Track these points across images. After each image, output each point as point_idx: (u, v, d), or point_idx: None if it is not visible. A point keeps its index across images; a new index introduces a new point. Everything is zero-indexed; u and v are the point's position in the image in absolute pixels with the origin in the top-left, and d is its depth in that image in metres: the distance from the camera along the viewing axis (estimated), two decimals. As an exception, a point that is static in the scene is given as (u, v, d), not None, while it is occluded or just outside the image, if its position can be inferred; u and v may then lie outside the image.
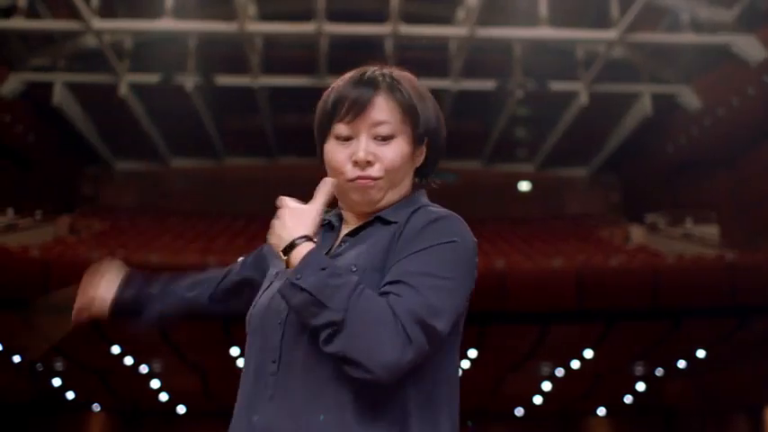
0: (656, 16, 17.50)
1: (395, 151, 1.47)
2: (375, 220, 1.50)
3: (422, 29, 17.64)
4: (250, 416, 1.41)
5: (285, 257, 1.39)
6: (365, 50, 18.48)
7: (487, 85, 18.94)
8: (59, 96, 18.55)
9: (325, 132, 1.54)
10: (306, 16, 17.12)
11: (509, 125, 21.49)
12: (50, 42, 18.41)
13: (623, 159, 22.34)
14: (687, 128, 19.30)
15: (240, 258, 1.83)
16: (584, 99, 18.56)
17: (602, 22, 17.28)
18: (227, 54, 18.75)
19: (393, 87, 1.50)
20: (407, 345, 1.26)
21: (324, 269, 1.33)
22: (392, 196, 1.51)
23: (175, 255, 15.30)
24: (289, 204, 1.46)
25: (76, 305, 1.84)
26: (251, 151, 23.02)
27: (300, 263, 1.35)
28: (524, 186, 24.36)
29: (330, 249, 1.51)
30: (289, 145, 22.21)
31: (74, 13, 16.20)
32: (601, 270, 14.27)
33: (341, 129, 1.49)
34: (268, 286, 1.54)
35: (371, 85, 1.49)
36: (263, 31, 17.65)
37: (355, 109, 1.47)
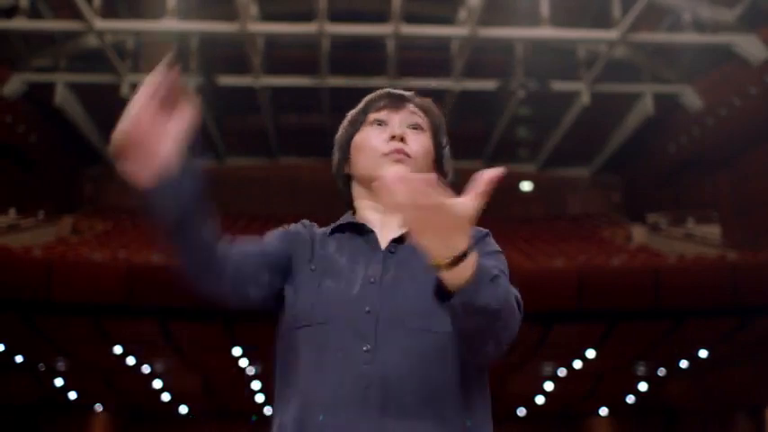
0: (657, 16, 17.50)
1: (424, 141, 1.59)
2: None
3: (423, 29, 17.64)
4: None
5: (443, 265, 1.22)
6: (367, 51, 18.51)
7: (489, 85, 18.94)
8: (61, 96, 18.57)
9: (356, 127, 1.63)
10: (307, 16, 17.12)
11: (510, 125, 21.49)
12: (52, 42, 18.42)
13: (625, 159, 22.33)
14: (689, 128, 19.29)
15: (269, 237, 1.60)
16: (585, 99, 18.56)
17: (604, 21, 17.27)
18: (228, 54, 18.76)
19: (422, 101, 1.66)
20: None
21: (491, 279, 1.29)
22: None
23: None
24: (437, 195, 1.18)
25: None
26: (252, 151, 23.04)
27: (475, 280, 1.24)
28: (526, 186, 24.35)
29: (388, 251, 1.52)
30: (290, 145, 22.22)
31: (75, 14, 16.22)
32: (602, 270, 14.28)
33: (381, 114, 1.61)
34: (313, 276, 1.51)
35: (403, 95, 1.66)
36: (264, 32, 17.65)
37: (392, 101, 1.62)
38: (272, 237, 1.59)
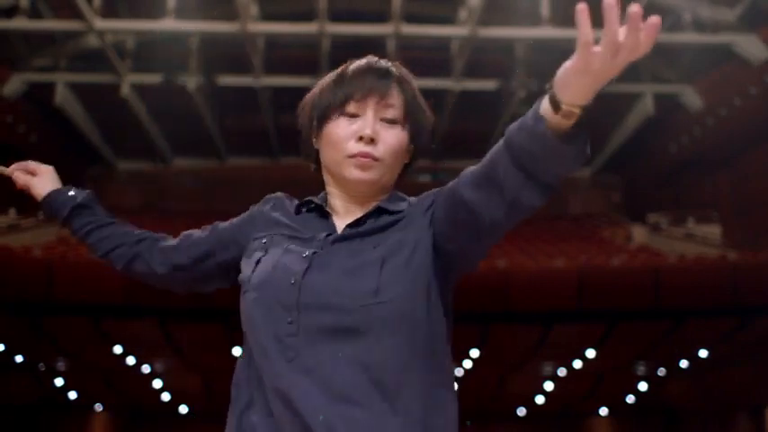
0: (657, 16, 17.48)
1: (397, 137, 1.51)
2: (376, 210, 1.52)
3: (424, 29, 17.63)
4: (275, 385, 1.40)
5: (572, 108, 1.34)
6: (367, 50, 18.20)
7: (489, 85, 18.93)
8: (61, 96, 18.57)
9: (327, 112, 1.54)
10: (308, 16, 17.12)
11: (511, 125, 21.47)
12: (52, 42, 18.42)
13: (625, 159, 22.32)
14: (689, 128, 19.28)
15: (210, 228, 1.79)
16: (585, 99, 18.53)
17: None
18: (228, 54, 18.75)
19: (402, 81, 1.56)
20: None
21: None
22: (385, 183, 1.54)
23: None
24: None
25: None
26: (253, 151, 23.03)
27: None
28: (526, 186, 24.33)
29: (329, 235, 1.51)
30: (290, 145, 22.18)
31: (76, 14, 16.21)
32: (603, 270, 14.28)
33: (352, 106, 1.51)
34: (262, 256, 1.54)
35: (385, 73, 1.55)
36: (264, 31, 17.65)
37: (367, 88, 1.51)
38: (221, 225, 1.74)
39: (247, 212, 1.69)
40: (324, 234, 1.51)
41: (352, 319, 1.38)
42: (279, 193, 1.68)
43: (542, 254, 16.37)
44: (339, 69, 1.60)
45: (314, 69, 18.19)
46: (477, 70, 18.58)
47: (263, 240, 1.55)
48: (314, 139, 1.58)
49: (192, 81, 18.32)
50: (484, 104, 20.45)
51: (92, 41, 17.61)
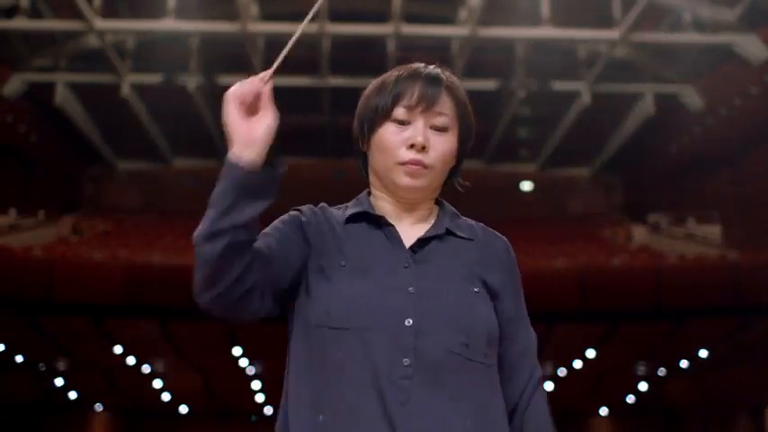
0: (658, 16, 17.49)
1: (448, 144, 1.51)
2: (445, 233, 1.53)
3: (424, 29, 17.64)
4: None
5: None
6: (367, 51, 18.49)
7: (490, 84, 18.92)
8: (62, 96, 18.56)
9: (377, 118, 1.52)
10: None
11: (511, 125, 21.48)
12: (52, 42, 18.42)
13: (626, 159, 22.32)
14: (689, 127, 19.28)
15: (278, 238, 1.48)
16: (586, 99, 18.55)
17: (605, 21, 17.27)
18: (229, 54, 18.76)
19: (453, 86, 1.54)
20: None
21: None
22: (434, 189, 1.55)
23: (179, 255, 15.31)
24: None
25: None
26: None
27: None
28: (527, 186, 24.35)
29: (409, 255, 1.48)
30: (291, 145, 22.19)
31: (76, 14, 16.21)
32: (603, 270, 14.28)
33: (399, 113, 1.50)
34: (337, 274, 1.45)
35: (436, 79, 1.53)
36: (265, 31, 17.65)
37: (420, 95, 1.49)
38: (287, 233, 1.49)
39: (292, 222, 1.52)
40: (403, 258, 1.47)
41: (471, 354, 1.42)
42: (306, 206, 1.58)
43: (543, 254, 16.37)
44: (387, 74, 1.57)
45: (314, 69, 18.20)
46: (478, 70, 18.58)
47: (342, 263, 1.46)
48: (362, 144, 1.57)
49: (192, 81, 18.32)
50: (484, 104, 20.44)
51: (92, 41, 17.60)
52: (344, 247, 1.49)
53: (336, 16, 17.05)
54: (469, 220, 1.61)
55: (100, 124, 20.90)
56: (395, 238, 1.50)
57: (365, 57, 18.49)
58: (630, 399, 17.97)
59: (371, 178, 1.58)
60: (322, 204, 1.61)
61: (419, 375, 1.36)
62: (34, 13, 16.90)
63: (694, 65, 18.15)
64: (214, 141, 22.14)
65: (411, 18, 17.10)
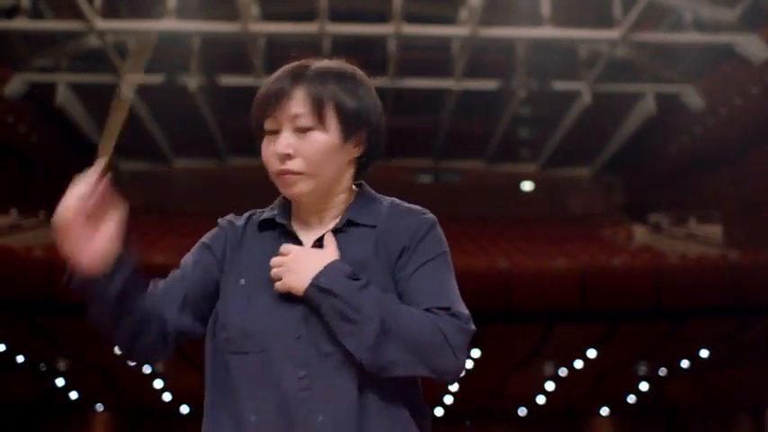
0: (658, 15, 17.49)
1: (313, 144, 1.46)
2: (347, 224, 1.49)
3: (424, 29, 17.63)
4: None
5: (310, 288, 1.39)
6: (368, 50, 18.49)
7: (490, 84, 18.93)
8: (62, 96, 18.58)
9: (259, 130, 1.54)
10: (308, 16, 17.12)
11: (512, 125, 21.49)
12: (53, 43, 18.43)
13: (626, 159, 22.32)
14: (690, 127, 19.28)
15: (185, 261, 1.64)
16: (587, 99, 18.55)
17: (605, 21, 17.27)
18: (230, 54, 18.76)
19: (314, 79, 1.51)
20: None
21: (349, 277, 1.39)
22: (329, 187, 1.50)
23: (180, 255, 15.25)
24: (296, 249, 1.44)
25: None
26: (254, 151, 22.57)
27: (325, 269, 1.40)
28: (527, 186, 24.35)
29: None
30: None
31: (77, 14, 16.22)
32: (604, 270, 14.27)
33: (268, 123, 1.50)
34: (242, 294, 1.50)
35: (293, 77, 1.51)
36: (265, 32, 17.65)
37: (274, 102, 1.48)
38: (192, 266, 1.60)
39: (206, 243, 1.61)
40: None
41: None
42: (229, 216, 1.65)
43: (543, 254, 16.36)
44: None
45: (315, 69, 18.19)
46: (478, 70, 18.58)
47: (242, 281, 1.50)
48: None
49: (193, 81, 18.33)
50: (485, 104, 20.45)
51: (93, 42, 17.61)
52: (248, 260, 1.52)
53: (337, 16, 17.05)
54: (386, 202, 1.54)
55: (101, 124, 20.85)
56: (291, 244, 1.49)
57: (366, 57, 18.46)
58: (631, 399, 17.96)
59: None
60: (251, 212, 1.63)
61: (316, 387, 1.39)
62: (35, 14, 16.92)
63: (695, 65, 18.15)
64: (215, 142, 22.16)
65: (411, 18, 17.10)
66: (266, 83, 1.53)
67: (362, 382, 1.38)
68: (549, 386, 16.57)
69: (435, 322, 1.37)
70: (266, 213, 1.57)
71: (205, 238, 1.61)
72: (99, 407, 18.70)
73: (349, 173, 1.53)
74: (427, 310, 1.39)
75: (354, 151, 1.51)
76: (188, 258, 1.61)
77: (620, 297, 13.23)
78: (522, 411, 18.82)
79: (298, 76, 1.51)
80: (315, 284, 1.37)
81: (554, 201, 23.94)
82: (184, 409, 18.33)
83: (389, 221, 1.49)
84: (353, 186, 1.56)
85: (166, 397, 17.20)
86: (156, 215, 21.19)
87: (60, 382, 16.36)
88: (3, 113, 18.07)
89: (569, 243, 17.98)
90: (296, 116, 1.47)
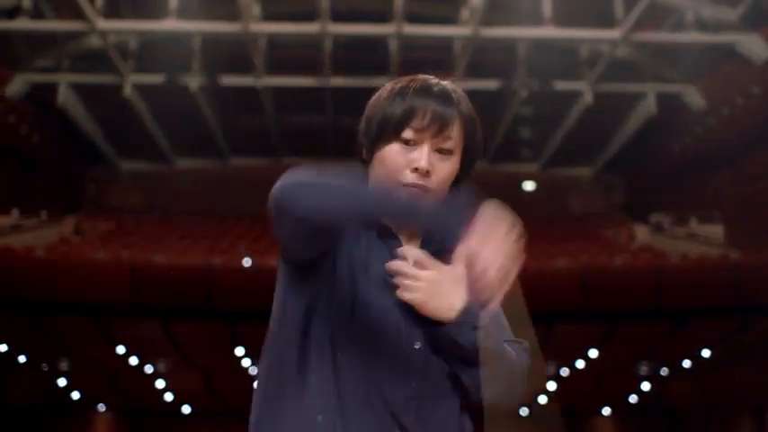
0: (660, 15, 17.48)
1: (451, 167, 1.53)
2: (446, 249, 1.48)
3: (426, 29, 17.63)
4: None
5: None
6: (369, 50, 18.51)
7: (491, 84, 18.91)
8: (64, 97, 18.57)
9: (384, 134, 1.51)
10: (310, 16, 17.12)
11: (513, 125, 21.47)
12: (54, 43, 18.43)
13: (627, 159, 22.31)
14: (692, 127, 19.26)
15: None
16: (588, 98, 18.54)
17: (606, 21, 17.26)
18: (231, 54, 18.76)
19: (462, 105, 1.55)
20: None
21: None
22: None
23: (181, 255, 15.33)
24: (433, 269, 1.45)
25: None
26: (255, 151, 23.02)
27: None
28: (528, 186, 24.34)
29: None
30: (293, 145, 22.21)
31: (78, 14, 16.22)
32: (605, 270, 14.28)
33: (407, 133, 1.49)
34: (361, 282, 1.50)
35: (448, 99, 1.53)
36: (267, 32, 17.64)
37: (431, 119, 1.49)
38: None
39: None
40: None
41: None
42: None
43: (544, 254, 16.36)
44: (399, 85, 1.55)
45: (316, 69, 18.20)
46: (479, 70, 18.58)
47: (345, 272, 1.49)
48: (366, 152, 1.57)
49: (194, 81, 18.32)
50: (486, 104, 20.43)
51: (94, 42, 17.61)
52: (353, 251, 1.51)
53: (338, 16, 17.05)
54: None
55: (102, 124, 20.91)
56: (396, 252, 1.49)
57: (367, 57, 18.51)
58: (633, 399, 17.96)
59: (371, 184, 1.56)
60: None
61: (423, 397, 1.46)
62: (36, 14, 16.92)
63: (696, 64, 18.14)
64: (216, 142, 22.16)
65: (413, 18, 17.09)
66: (408, 91, 1.52)
67: (462, 400, 1.51)
68: (551, 386, 16.57)
69: (522, 363, 1.56)
70: None
71: None
72: (101, 407, 18.72)
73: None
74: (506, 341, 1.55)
75: (453, 179, 1.59)
76: None
77: (621, 297, 13.23)
78: (524, 411, 18.81)
79: (451, 99, 1.53)
80: (462, 323, 1.43)
81: (555, 200, 23.93)
82: (186, 410, 18.36)
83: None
84: None
85: (168, 397, 17.22)
86: (157, 215, 21.22)
87: (62, 382, 16.37)
88: (4, 114, 18.08)
89: (570, 243, 17.98)
90: (446, 138, 1.51)
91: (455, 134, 1.52)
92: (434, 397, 1.45)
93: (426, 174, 1.48)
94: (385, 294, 1.46)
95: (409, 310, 1.44)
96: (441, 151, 1.51)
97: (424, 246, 1.52)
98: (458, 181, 1.58)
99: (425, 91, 1.52)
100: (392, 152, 1.50)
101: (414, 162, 1.48)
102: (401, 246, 1.51)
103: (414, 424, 1.42)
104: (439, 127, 1.49)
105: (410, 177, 1.48)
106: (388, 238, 1.53)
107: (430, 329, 1.44)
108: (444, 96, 1.52)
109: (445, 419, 1.46)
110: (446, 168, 1.51)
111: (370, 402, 1.41)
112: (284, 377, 1.46)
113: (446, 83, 1.57)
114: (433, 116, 1.49)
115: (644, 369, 16.14)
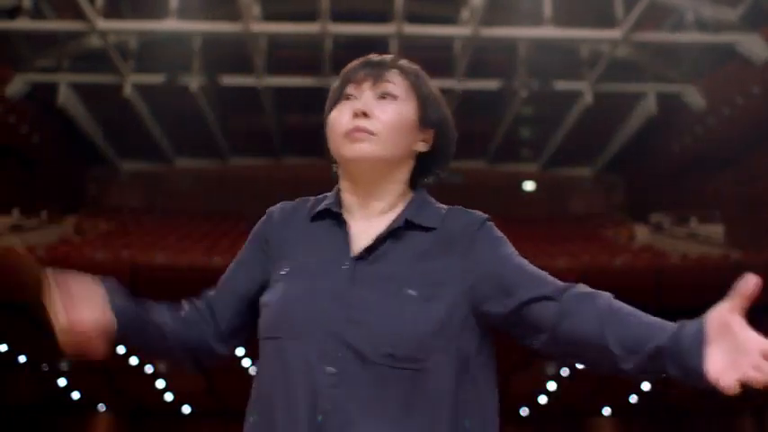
0: (660, 15, 17.48)
1: (395, 109, 1.46)
2: (404, 224, 1.43)
3: (426, 29, 17.63)
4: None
5: None
6: (369, 50, 18.28)
7: (492, 84, 18.93)
8: (64, 97, 18.58)
9: (332, 102, 1.52)
10: (310, 16, 17.13)
11: (513, 125, 21.48)
12: (55, 43, 18.43)
13: (628, 159, 22.31)
14: (692, 127, 19.26)
15: (231, 268, 1.58)
16: (588, 98, 18.54)
17: (607, 21, 17.27)
18: (231, 54, 18.76)
19: (404, 64, 1.55)
20: None
21: None
22: (389, 165, 1.47)
23: (181, 255, 15.34)
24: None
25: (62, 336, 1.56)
26: (255, 151, 23.05)
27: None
28: (529, 186, 24.34)
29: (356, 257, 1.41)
30: (293, 145, 22.22)
31: (78, 14, 16.23)
32: (605, 270, 14.28)
33: (348, 89, 1.49)
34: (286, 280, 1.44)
35: (384, 59, 1.55)
36: (267, 32, 17.66)
37: (366, 70, 1.50)
38: (241, 267, 1.56)
39: (255, 236, 1.57)
40: (344, 259, 1.41)
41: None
42: (280, 204, 1.60)
43: (545, 254, 16.36)
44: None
45: (316, 69, 18.20)
46: (480, 70, 18.59)
47: (283, 271, 1.45)
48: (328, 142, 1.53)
49: (194, 81, 18.33)
50: (486, 104, 20.45)
51: (94, 42, 17.62)
52: (296, 250, 1.47)
53: (338, 16, 17.06)
54: (443, 207, 1.49)
55: (102, 125, 20.92)
56: (343, 236, 1.44)
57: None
58: (633, 399, 17.94)
59: (338, 170, 1.52)
60: (301, 199, 1.58)
61: (344, 385, 1.31)
62: (36, 14, 16.93)
63: (696, 64, 18.14)
64: (216, 142, 22.17)
65: (413, 18, 17.10)
66: (349, 65, 1.55)
67: (409, 397, 1.32)
68: (552, 386, 16.57)
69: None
70: (321, 204, 1.50)
71: (254, 231, 1.59)
72: (101, 407, 18.70)
73: (409, 164, 1.51)
74: (559, 292, 1.39)
75: (421, 145, 1.51)
76: (238, 257, 1.59)
77: (621, 297, 13.15)
78: (524, 411, 18.81)
79: (388, 59, 1.54)
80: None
81: (555, 200, 23.94)
82: (186, 410, 18.35)
83: (450, 221, 1.45)
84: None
85: (168, 397, 17.21)
86: (157, 215, 21.22)
87: (62, 382, 16.37)
88: (4, 114, 18.08)
89: (570, 243, 17.98)
90: (386, 82, 1.48)
91: (397, 81, 1.49)
92: (363, 388, 1.31)
93: (364, 115, 1.43)
94: (306, 282, 1.40)
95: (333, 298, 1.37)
96: (383, 97, 1.47)
97: (389, 226, 1.44)
98: (428, 161, 1.53)
99: (361, 60, 1.55)
100: (337, 110, 1.48)
101: (352, 109, 1.45)
102: (345, 230, 1.45)
103: (325, 416, 1.30)
104: (375, 76, 1.48)
105: (350, 123, 1.44)
106: (339, 227, 1.47)
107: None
108: (380, 58, 1.55)
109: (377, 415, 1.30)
110: (389, 110, 1.45)
111: (287, 391, 1.35)
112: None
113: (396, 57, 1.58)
114: (368, 66, 1.51)
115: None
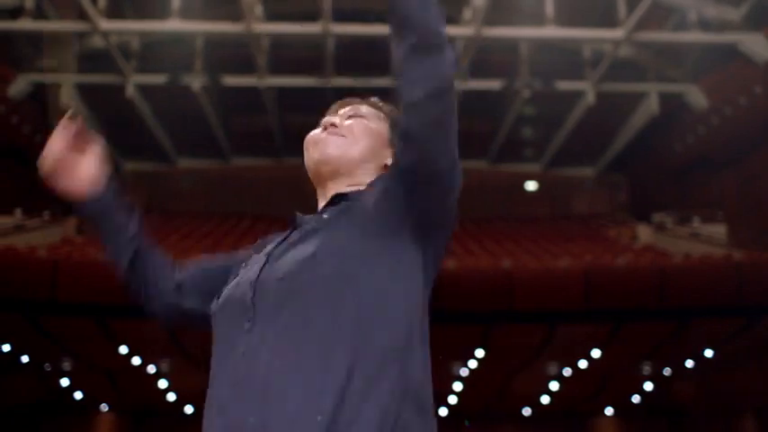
0: (662, 15, 17.47)
1: (363, 122, 1.59)
2: (334, 197, 1.53)
3: (428, 29, 17.61)
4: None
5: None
6: (371, 51, 18.50)
7: (494, 84, 18.92)
8: (66, 97, 18.59)
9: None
10: (312, 17, 17.12)
11: (516, 125, 21.47)
12: (57, 43, 18.45)
13: (630, 159, 22.30)
14: (694, 127, 19.25)
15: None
16: (590, 98, 18.53)
17: (609, 21, 17.25)
18: (233, 54, 18.77)
19: (379, 103, 1.66)
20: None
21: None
22: (351, 168, 1.55)
23: (183, 255, 15.30)
24: None
25: (49, 158, 1.70)
26: (258, 151, 23.05)
27: None
28: (531, 186, 24.33)
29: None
30: (295, 145, 21.93)
31: (81, 14, 16.25)
32: (608, 270, 14.25)
33: (322, 120, 1.63)
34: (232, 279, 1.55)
35: (361, 98, 1.67)
36: (269, 32, 17.65)
37: (340, 103, 1.65)
38: (215, 256, 1.73)
39: (236, 252, 1.71)
40: (276, 242, 1.52)
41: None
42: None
43: (547, 254, 16.35)
44: None
45: (319, 70, 18.21)
46: (482, 70, 18.57)
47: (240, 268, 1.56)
48: None
49: (196, 81, 18.34)
50: (489, 104, 20.44)
51: (97, 42, 17.64)
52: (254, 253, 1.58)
53: (340, 17, 17.05)
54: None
55: (105, 125, 20.92)
56: (285, 235, 1.53)
57: (370, 57, 18.50)
58: (636, 399, 17.95)
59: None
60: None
61: (258, 326, 1.39)
62: (39, 14, 16.94)
63: (699, 64, 18.13)
64: (218, 142, 22.17)
65: (415, 18, 17.07)
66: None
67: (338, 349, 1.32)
68: (554, 386, 16.56)
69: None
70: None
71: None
72: (104, 407, 18.72)
73: (372, 172, 1.57)
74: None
75: (387, 160, 1.59)
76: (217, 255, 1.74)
77: (624, 297, 13.21)
78: (527, 411, 18.80)
79: (367, 99, 1.68)
80: None
81: (558, 200, 23.93)
82: (189, 409, 18.35)
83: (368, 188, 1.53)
84: None
85: (171, 397, 17.22)
86: (159, 215, 21.21)
87: (65, 382, 16.39)
88: (7, 114, 18.10)
89: (573, 243, 17.97)
90: (357, 106, 1.62)
91: (366, 109, 1.61)
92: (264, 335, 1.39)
93: (333, 126, 1.58)
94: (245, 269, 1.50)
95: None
96: (349, 115, 1.60)
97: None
98: None
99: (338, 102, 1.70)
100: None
101: (323, 122, 1.62)
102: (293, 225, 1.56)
103: (242, 356, 1.46)
104: (347, 103, 1.64)
105: (317, 134, 1.60)
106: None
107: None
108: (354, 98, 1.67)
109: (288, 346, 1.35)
110: (357, 123, 1.58)
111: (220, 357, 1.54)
112: None
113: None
114: (342, 101, 1.67)
115: (647, 369, 16.13)
